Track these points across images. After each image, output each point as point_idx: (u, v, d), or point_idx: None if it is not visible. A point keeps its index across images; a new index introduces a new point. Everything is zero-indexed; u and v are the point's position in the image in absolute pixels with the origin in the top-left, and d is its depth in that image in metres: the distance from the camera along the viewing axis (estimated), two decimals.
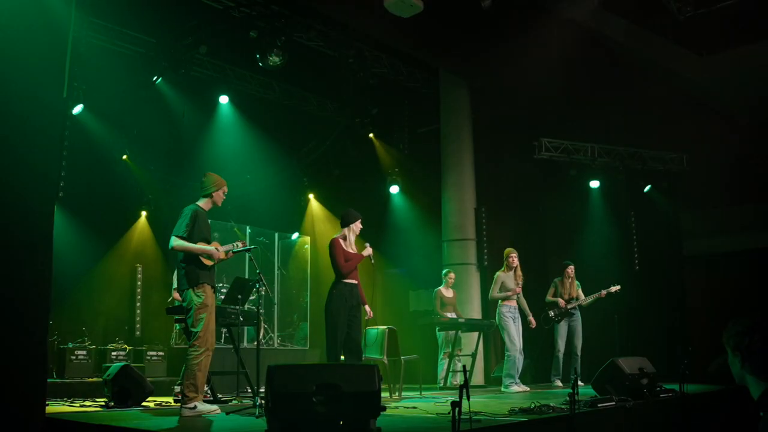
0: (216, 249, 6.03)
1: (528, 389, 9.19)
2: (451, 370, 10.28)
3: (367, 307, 7.26)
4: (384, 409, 4.17)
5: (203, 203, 6.16)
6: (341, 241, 6.99)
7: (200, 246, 5.91)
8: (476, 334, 10.68)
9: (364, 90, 12.37)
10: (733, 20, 11.36)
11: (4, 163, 5.24)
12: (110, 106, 10.09)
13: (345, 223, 7.09)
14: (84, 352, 8.94)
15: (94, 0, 8.97)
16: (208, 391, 7.28)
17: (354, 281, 7.01)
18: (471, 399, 7.46)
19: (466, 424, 4.53)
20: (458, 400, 3.95)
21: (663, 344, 10.90)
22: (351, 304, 6.92)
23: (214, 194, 6.18)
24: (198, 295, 5.87)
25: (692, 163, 12.37)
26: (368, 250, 7.03)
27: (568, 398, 5.21)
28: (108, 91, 9.93)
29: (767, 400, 2.45)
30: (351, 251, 7.00)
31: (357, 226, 7.08)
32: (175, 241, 5.83)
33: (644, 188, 12.48)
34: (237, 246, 6.33)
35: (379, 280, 14.14)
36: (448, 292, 10.66)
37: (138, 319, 10.66)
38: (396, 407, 6.64)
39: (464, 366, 4.34)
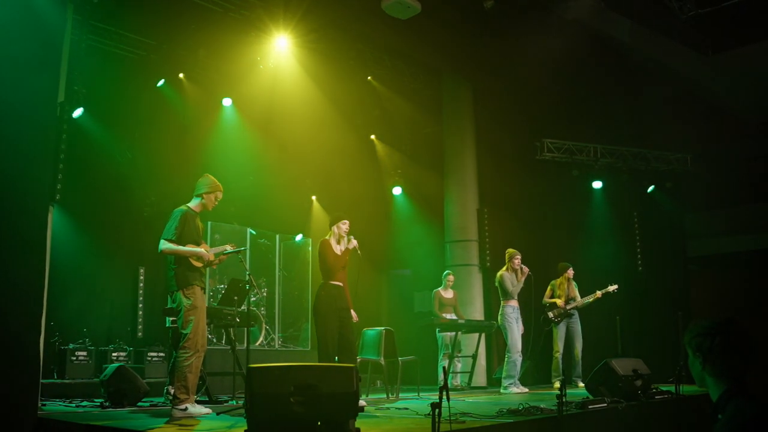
0: (205, 251, 6.07)
1: (527, 390, 9.15)
2: (450, 371, 10.27)
3: (352, 312, 7.21)
4: (362, 409, 4.18)
5: (194, 205, 6.17)
6: (331, 241, 7.02)
7: (189, 248, 5.93)
8: (477, 335, 10.69)
9: (366, 90, 12.43)
10: (739, 19, 11.30)
11: None
12: (112, 108, 10.15)
13: (331, 224, 7.14)
14: (84, 353, 8.98)
15: (94, 3, 9.03)
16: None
17: (340, 283, 7.00)
18: (467, 400, 7.56)
19: (454, 425, 4.55)
20: (438, 401, 3.97)
21: (666, 346, 10.83)
22: (340, 305, 6.89)
23: (205, 196, 6.17)
24: (187, 297, 5.89)
25: (696, 163, 12.31)
26: (353, 242, 7.01)
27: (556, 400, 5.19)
28: (110, 94, 10.00)
29: (725, 402, 2.44)
30: (339, 251, 7.00)
31: (341, 226, 7.04)
32: (164, 245, 5.86)
33: (648, 189, 12.44)
34: (227, 248, 6.36)
35: (384, 281, 14.18)
36: (447, 293, 10.65)
37: (140, 320, 10.73)
38: (388, 408, 6.65)
39: (444, 367, 4.33)
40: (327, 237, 7.03)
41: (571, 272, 10.16)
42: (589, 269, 10.85)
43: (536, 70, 10.97)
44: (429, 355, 10.51)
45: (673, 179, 12.42)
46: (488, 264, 12.01)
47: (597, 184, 12.46)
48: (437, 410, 3.93)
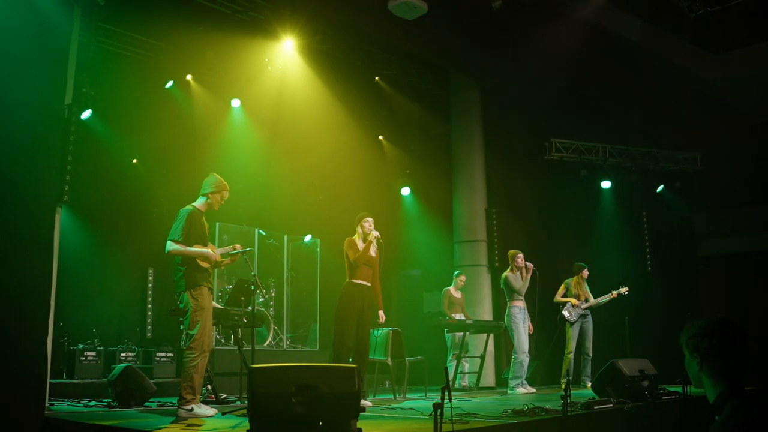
0: (212, 251, 6.09)
1: (534, 391, 9.13)
2: (459, 371, 10.27)
3: (380, 312, 7.31)
4: (363, 410, 4.19)
5: (199, 204, 6.18)
6: (356, 239, 7.18)
7: (196, 249, 5.94)
8: (486, 335, 10.66)
9: (373, 91, 12.44)
10: (748, 17, 11.23)
11: (3, 168, 5.38)
12: (120, 110, 10.20)
13: (356, 223, 7.29)
14: (93, 353, 9.03)
15: (101, 5, 9.08)
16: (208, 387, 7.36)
17: (366, 282, 7.10)
18: (474, 401, 7.54)
19: (456, 425, 4.55)
20: (440, 401, 3.96)
21: (675, 346, 10.74)
22: (361, 305, 6.98)
23: (211, 195, 6.17)
24: (195, 298, 5.90)
25: (706, 162, 12.24)
26: (374, 233, 7.12)
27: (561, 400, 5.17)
28: (118, 96, 10.05)
29: (721, 403, 2.43)
30: (361, 248, 7.11)
31: (364, 224, 7.19)
32: (171, 246, 5.86)
33: (657, 188, 12.38)
34: (235, 248, 6.38)
35: (393, 282, 14.18)
36: (457, 293, 10.67)
37: (149, 320, 10.79)
38: (394, 408, 6.66)
39: (446, 368, 4.32)
40: (353, 236, 7.14)
41: (586, 273, 10.15)
42: (598, 269, 10.80)
43: (544, 70, 10.94)
44: (437, 355, 10.50)
45: (682, 179, 12.37)
46: (497, 264, 11.98)
47: (606, 184, 12.42)
48: (439, 410, 3.92)
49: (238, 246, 6.47)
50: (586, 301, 10.02)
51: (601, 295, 10.04)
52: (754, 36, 11.53)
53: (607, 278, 10.49)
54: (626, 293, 9.95)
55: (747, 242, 11.80)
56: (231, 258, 6.44)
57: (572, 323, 9.97)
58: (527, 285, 9.29)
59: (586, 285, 10.15)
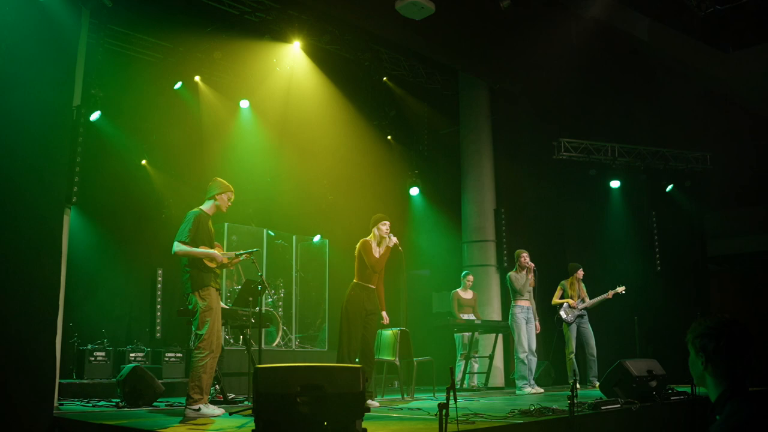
0: (219, 252, 6.11)
1: (542, 391, 9.11)
2: (468, 371, 10.26)
3: (384, 314, 7.32)
4: (368, 410, 4.19)
5: (207, 207, 6.22)
6: (372, 242, 7.15)
7: (202, 249, 5.97)
8: (494, 335, 10.64)
9: (382, 91, 12.46)
10: (758, 15, 11.16)
11: (11, 170, 5.42)
12: (129, 111, 10.26)
13: (371, 225, 7.27)
14: (103, 354, 9.08)
15: (110, 7, 9.13)
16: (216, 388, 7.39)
17: (372, 285, 7.10)
18: (482, 401, 7.54)
19: (462, 425, 4.55)
20: (446, 401, 3.96)
21: (683, 346, 10.68)
22: (367, 307, 6.99)
23: (218, 197, 6.22)
24: (203, 298, 5.93)
25: (716, 161, 12.17)
26: (393, 239, 7.10)
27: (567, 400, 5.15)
28: (127, 97, 10.10)
29: (723, 403, 2.42)
30: (378, 254, 7.10)
31: (381, 227, 7.16)
32: (178, 247, 5.90)
33: (666, 188, 12.32)
34: (239, 252, 6.42)
35: (402, 282, 14.16)
36: (466, 294, 10.65)
37: (158, 321, 10.84)
38: (401, 408, 6.67)
39: (451, 368, 4.31)
40: (368, 237, 7.11)
41: (581, 273, 10.12)
42: (607, 269, 10.77)
43: (553, 69, 10.92)
44: (446, 355, 10.50)
45: (692, 178, 12.30)
46: (506, 264, 11.94)
47: (615, 184, 12.38)
48: (444, 411, 3.92)
49: (241, 251, 6.52)
50: (583, 301, 10.00)
51: (596, 296, 10.02)
52: (763, 34, 11.46)
53: (616, 278, 10.43)
54: (623, 292, 9.90)
55: (757, 242, 11.73)
56: (235, 259, 6.47)
57: (569, 324, 9.96)
58: (529, 284, 9.26)
59: (583, 285, 10.13)
